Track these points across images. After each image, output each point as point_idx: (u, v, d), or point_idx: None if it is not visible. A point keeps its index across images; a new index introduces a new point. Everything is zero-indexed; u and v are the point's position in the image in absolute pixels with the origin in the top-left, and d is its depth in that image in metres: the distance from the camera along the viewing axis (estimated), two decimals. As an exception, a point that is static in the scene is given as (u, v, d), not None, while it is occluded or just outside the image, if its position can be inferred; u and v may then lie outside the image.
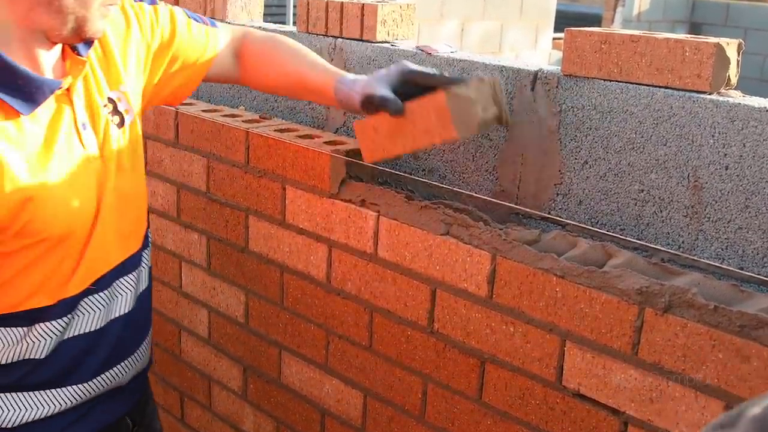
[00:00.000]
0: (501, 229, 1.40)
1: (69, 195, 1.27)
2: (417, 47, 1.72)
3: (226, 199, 1.88)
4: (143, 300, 1.49)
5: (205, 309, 2.06)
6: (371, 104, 1.45)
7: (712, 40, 1.26)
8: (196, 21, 1.57)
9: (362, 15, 1.79)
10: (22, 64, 1.19)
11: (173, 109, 1.96)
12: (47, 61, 1.25)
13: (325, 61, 1.63)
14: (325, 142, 1.67)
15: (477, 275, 1.40)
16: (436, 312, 1.49)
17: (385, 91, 1.43)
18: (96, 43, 1.34)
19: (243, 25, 2.12)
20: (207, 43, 1.58)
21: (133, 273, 1.45)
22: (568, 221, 1.46)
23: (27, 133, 1.21)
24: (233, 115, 1.92)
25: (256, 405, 1.98)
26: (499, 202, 1.49)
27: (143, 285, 1.49)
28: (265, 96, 2.06)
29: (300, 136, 1.72)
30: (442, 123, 1.37)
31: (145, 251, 1.50)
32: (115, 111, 1.37)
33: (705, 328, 1.12)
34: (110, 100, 1.37)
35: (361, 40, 1.81)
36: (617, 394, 1.24)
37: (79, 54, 1.29)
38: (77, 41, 1.26)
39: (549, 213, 1.50)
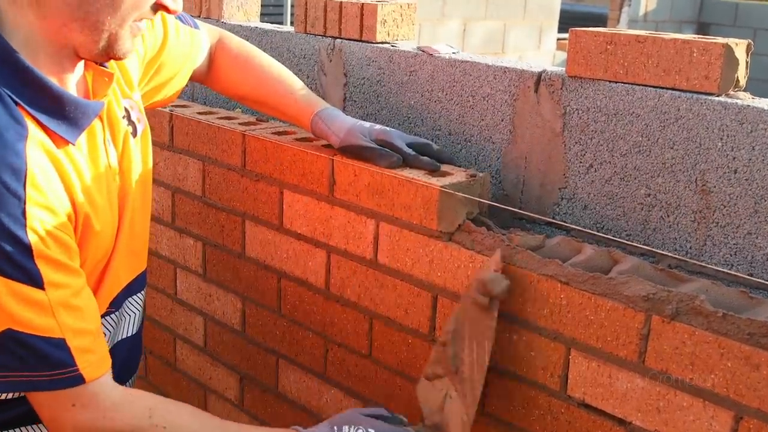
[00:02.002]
0: (504, 235, 1.40)
1: (109, 220, 1.27)
2: (418, 48, 1.73)
3: (222, 204, 1.89)
4: (144, 320, 1.49)
5: (201, 316, 2.06)
6: (354, 153, 1.53)
7: (721, 40, 1.26)
8: (183, 22, 1.55)
9: (361, 15, 1.79)
10: (52, 80, 1.15)
11: (168, 111, 1.96)
12: (74, 76, 1.22)
13: (301, 82, 1.66)
14: (324, 145, 1.67)
15: (479, 282, 1.40)
16: (437, 319, 1.49)
17: (375, 145, 1.51)
18: None
19: (238, 24, 2.13)
20: (191, 51, 1.57)
21: (141, 293, 1.44)
22: (572, 226, 1.46)
23: (76, 161, 1.18)
24: (229, 118, 1.92)
25: (253, 415, 1.98)
26: (502, 206, 1.49)
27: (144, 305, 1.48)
28: (262, 98, 2.07)
29: (298, 139, 1.73)
30: (426, 210, 1.44)
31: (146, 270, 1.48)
32: (129, 120, 1.35)
33: (713, 335, 1.12)
34: (125, 109, 1.34)
35: (361, 41, 1.81)
36: (623, 403, 1.24)
37: (102, 64, 1.25)
38: (105, 60, 1.22)
39: (553, 218, 1.50)
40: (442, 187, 1.41)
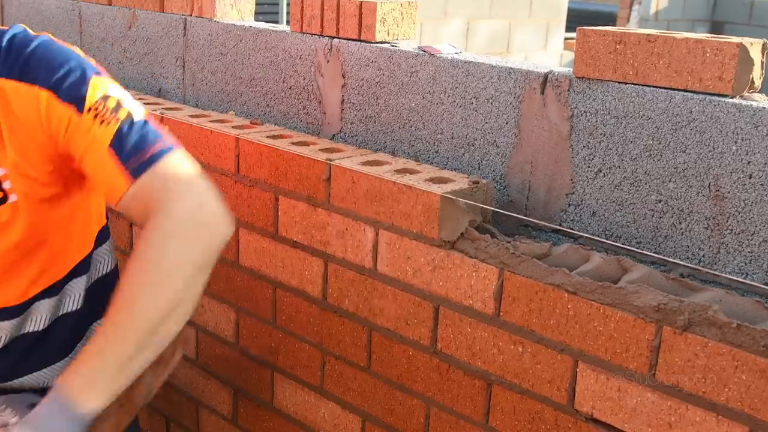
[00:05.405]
0: (509, 242, 1.40)
1: None
2: (419, 48, 1.73)
3: (215, 210, 1.89)
4: (63, 323, 1.52)
5: (193, 328, 2.05)
6: None
7: (735, 40, 1.27)
8: (120, 160, 1.28)
9: (360, 13, 1.79)
10: None
11: (158, 114, 1.96)
12: None
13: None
14: (321, 150, 1.68)
15: (483, 291, 1.41)
16: (439, 331, 1.49)
17: None
18: None
19: (231, 23, 2.13)
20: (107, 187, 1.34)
21: (8, 322, 1.47)
22: (580, 233, 1.46)
23: None
24: (222, 121, 1.93)
25: (247, 430, 1.98)
26: (506, 213, 1.49)
27: (68, 308, 1.52)
28: (256, 101, 2.07)
29: (294, 143, 1.73)
30: (427, 218, 1.45)
31: (76, 279, 1.50)
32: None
33: (727, 347, 1.12)
34: None
35: (359, 41, 1.81)
36: (633, 418, 1.24)
37: None
38: None
39: (560, 225, 1.50)
40: (443, 194, 1.41)
